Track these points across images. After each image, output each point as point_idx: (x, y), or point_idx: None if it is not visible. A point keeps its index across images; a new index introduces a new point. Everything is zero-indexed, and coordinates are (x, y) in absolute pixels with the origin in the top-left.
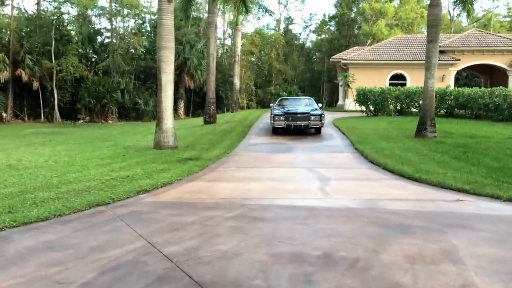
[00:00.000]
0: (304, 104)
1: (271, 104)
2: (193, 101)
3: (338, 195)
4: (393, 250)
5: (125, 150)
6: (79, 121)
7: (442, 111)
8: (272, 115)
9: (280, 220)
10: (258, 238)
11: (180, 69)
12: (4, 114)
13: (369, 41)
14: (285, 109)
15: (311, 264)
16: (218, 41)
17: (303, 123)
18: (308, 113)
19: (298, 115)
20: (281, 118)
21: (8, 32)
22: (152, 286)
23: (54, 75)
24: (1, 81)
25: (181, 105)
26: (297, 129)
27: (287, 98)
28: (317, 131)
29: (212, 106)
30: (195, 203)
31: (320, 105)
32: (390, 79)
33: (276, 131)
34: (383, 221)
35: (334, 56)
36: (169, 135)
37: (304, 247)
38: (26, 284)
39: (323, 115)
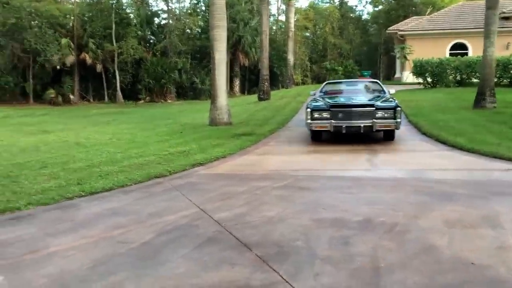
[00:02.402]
0: (364, 91)
1: (311, 92)
2: (248, 79)
3: (386, 166)
4: (432, 216)
5: (182, 127)
6: (140, 101)
7: (505, 81)
8: (309, 109)
9: (325, 190)
10: (302, 206)
11: (235, 47)
12: (71, 96)
13: (428, 10)
14: (332, 100)
15: (350, 229)
16: (271, 18)
17: (363, 123)
18: (372, 105)
19: (355, 109)
20: (325, 114)
21: (72, 18)
22: (203, 246)
23: (116, 58)
24: (68, 65)
25: (236, 83)
26: (353, 134)
27: (339, 82)
28: (388, 135)
29: (266, 83)
30: (246, 174)
31: (391, 91)
32: (450, 50)
33: (317, 137)
34: (427, 190)
35: (390, 28)
36: (223, 112)
37: (345, 213)
38: (94, 243)
39: (398, 108)
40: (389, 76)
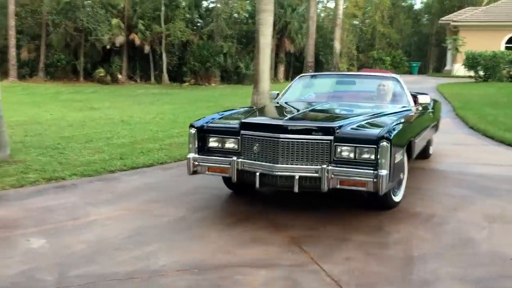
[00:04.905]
0: (365, 96)
1: (273, 94)
2: (293, 66)
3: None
4: (472, 209)
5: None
6: (185, 84)
7: None
8: (193, 129)
9: None
10: None
11: (281, 33)
12: (119, 76)
13: (485, 1)
14: (265, 112)
15: (385, 217)
16: (319, 4)
17: (300, 170)
18: (330, 129)
19: (286, 137)
20: (228, 142)
21: None
22: (237, 223)
23: (163, 40)
24: (117, 45)
25: (281, 69)
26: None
27: (322, 76)
28: (376, 201)
29: (310, 70)
30: None
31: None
32: (506, 43)
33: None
34: (468, 183)
35: (443, 18)
36: (265, 97)
37: None
38: (131, 215)
39: (386, 143)
40: (439, 69)
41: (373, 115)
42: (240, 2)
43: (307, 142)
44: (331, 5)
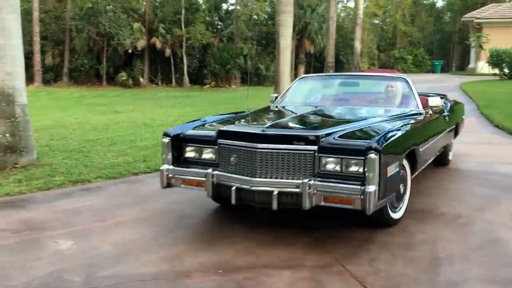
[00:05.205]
0: (369, 99)
1: (271, 97)
2: (313, 66)
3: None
4: (499, 209)
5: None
6: (206, 86)
7: None
8: (167, 138)
9: None
10: None
11: (301, 34)
12: (141, 79)
13: None
14: (252, 118)
15: (410, 217)
16: (339, 4)
17: (279, 185)
18: (314, 139)
19: (264, 147)
20: (206, 152)
21: (144, 3)
22: (260, 224)
23: (184, 43)
24: (139, 49)
25: (301, 70)
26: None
27: (325, 77)
28: (369, 218)
29: (331, 70)
30: None
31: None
32: None
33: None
34: (494, 183)
35: (466, 15)
36: None
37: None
38: (156, 216)
39: (375, 156)
40: (463, 67)
41: (371, 121)
42: (260, 4)
43: (288, 152)
44: (351, 4)
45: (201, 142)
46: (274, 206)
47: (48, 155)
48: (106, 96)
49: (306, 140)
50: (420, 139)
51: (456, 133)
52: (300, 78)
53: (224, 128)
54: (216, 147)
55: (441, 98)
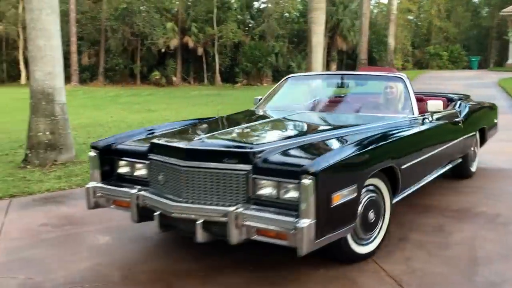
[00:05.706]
0: (361, 103)
1: (255, 99)
2: (346, 64)
3: (488, 155)
4: None
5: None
6: (237, 84)
7: None
8: (93, 152)
9: None
10: None
11: (333, 31)
12: (174, 78)
13: None
14: (204, 127)
15: (447, 217)
16: (372, 0)
17: (204, 212)
18: (245, 155)
19: (186, 165)
20: (138, 168)
21: (177, 2)
22: None
23: (216, 41)
24: (171, 48)
25: (333, 67)
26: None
27: (313, 77)
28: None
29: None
30: None
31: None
32: None
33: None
34: None
35: (504, 10)
36: None
37: (440, 202)
38: None
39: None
40: (501, 63)
41: (340, 132)
42: (291, 1)
43: (217, 172)
44: (385, 0)
45: (133, 156)
46: (199, 238)
47: (86, 152)
48: (140, 95)
49: (238, 157)
50: (403, 152)
51: (483, 141)
52: (288, 78)
53: (155, 140)
54: (147, 162)
55: (460, 99)
